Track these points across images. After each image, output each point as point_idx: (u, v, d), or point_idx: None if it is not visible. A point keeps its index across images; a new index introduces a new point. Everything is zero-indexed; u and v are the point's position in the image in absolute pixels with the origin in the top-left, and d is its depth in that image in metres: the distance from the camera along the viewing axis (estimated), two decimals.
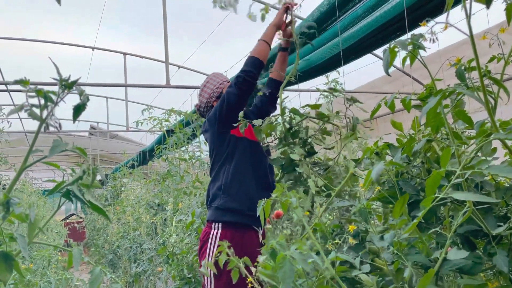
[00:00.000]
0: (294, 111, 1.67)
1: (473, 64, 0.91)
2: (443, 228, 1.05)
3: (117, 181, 7.76)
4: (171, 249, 3.15)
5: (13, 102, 7.18)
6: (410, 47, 0.99)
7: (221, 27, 5.73)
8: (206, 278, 2.04)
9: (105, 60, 7.05)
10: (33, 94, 0.57)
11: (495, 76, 0.95)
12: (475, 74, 0.94)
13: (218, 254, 1.34)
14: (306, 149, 1.67)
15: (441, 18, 2.82)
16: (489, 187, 1.01)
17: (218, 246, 1.65)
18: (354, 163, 1.46)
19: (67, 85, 0.58)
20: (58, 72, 0.59)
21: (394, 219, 1.04)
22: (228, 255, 1.28)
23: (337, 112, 1.70)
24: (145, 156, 7.69)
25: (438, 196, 0.82)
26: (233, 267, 1.27)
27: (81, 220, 13.12)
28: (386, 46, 1.04)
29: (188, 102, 7.40)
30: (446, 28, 0.91)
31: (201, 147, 4.37)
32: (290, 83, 1.92)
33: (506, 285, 0.94)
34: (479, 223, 0.94)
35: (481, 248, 1.01)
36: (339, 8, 2.77)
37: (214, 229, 2.06)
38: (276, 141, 1.75)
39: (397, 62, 1.11)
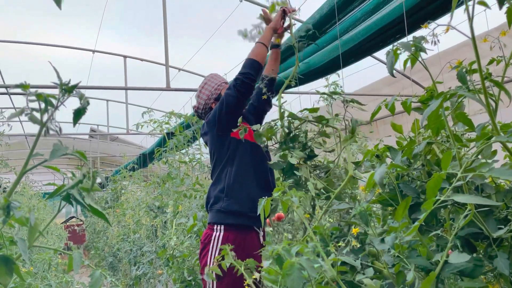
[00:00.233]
0: (292, 115, 1.67)
1: (474, 66, 0.91)
2: (444, 231, 1.04)
3: (117, 184, 7.75)
4: (172, 251, 3.14)
5: (13, 105, 7.19)
6: (412, 49, 0.99)
7: (221, 30, 5.75)
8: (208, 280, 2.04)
9: (106, 63, 7.07)
10: (34, 98, 0.57)
11: (496, 78, 0.95)
12: (475, 77, 0.94)
13: (221, 257, 1.34)
14: (306, 153, 1.67)
15: (440, 20, 2.82)
16: (490, 189, 1.01)
17: (221, 249, 1.64)
18: (353, 165, 1.46)
19: (68, 89, 0.58)
20: (58, 76, 0.59)
21: (395, 222, 1.04)
22: (230, 258, 1.28)
23: (336, 115, 1.70)
24: (145, 159, 7.69)
25: (439, 199, 0.82)
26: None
27: (81, 222, 13.11)
28: (389, 48, 1.04)
29: (188, 104, 7.41)
30: (448, 30, 0.91)
31: (201, 150, 4.37)
32: (289, 86, 1.93)
33: None
34: (479, 226, 0.94)
35: (481, 251, 1.01)
36: (338, 11, 2.78)
37: (216, 231, 2.06)
38: (276, 145, 1.75)
39: (397, 64, 1.11)
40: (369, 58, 4.21)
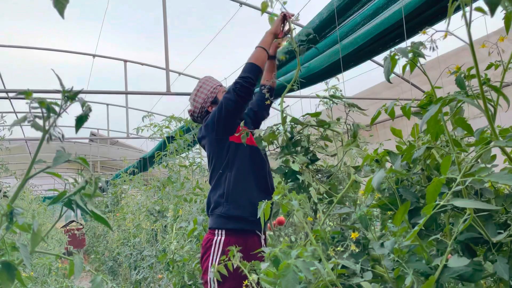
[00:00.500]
0: (294, 120, 1.68)
1: (473, 71, 0.92)
2: (443, 235, 1.05)
3: (117, 188, 7.75)
4: (172, 256, 3.14)
5: (13, 109, 7.20)
6: (410, 55, 1.00)
7: (221, 34, 5.76)
8: (209, 284, 2.03)
9: (106, 67, 7.08)
10: (36, 105, 0.57)
11: (494, 83, 0.95)
12: (474, 82, 0.95)
13: (226, 259, 1.35)
14: (308, 157, 1.68)
15: (440, 25, 2.84)
16: (489, 194, 1.02)
17: (226, 251, 1.64)
18: (354, 169, 1.47)
19: (70, 96, 0.59)
20: (61, 84, 0.60)
21: (394, 226, 1.04)
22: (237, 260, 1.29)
23: (338, 119, 1.71)
24: (146, 163, 7.69)
25: (439, 204, 0.82)
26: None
27: (81, 227, 13.09)
28: (386, 54, 1.05)
29: (188, 108, 7.40)
30: (446, 36, 0.91)
31: (201, 154, 4.37)
32: (291, 90, 1.94)
33: None
34: (479, 230, 0.94)
35: (481, 255, 1.01)
36: (338, 16, 2.79)
37: (218, 236, 2.06)
38: (278, 149, 1.76)
39: (397, 68, 1.11)
40: (368, 62, 4.22)
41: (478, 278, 0.92)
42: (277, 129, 1.72)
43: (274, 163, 1.86)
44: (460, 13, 0.84)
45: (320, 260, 1.08)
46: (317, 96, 2.22)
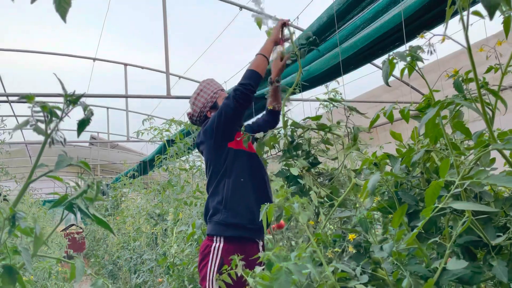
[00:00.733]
0: (295, 124, 1.69)
1: (471, 75, 0.92)
2: (443, 238, 1.05)
3: (117, 191, 7.75)
4: (172, 259, 3.14)
5: (14, 112, 7.21)
6: (408, 59, 1.00)
7: (222, 37, 5.78)
8: None
9: (106, 71, 7.11)
10: (38, 109, 0.58)
11: (493, 87, 0.96)
12: (473, 85, 0.96)
13: (229, 268, 1.35)
14: (310, 160, 1.68)
15: (439, 28, 2.85)
16: (488, 197, 1.02)
17: (225, 259, 1.63)
18: (354, 173, 1.47)
19: (72, 101, 0.59)
20: (63, 88, 0.60)
21: (394, 229, 1.04)
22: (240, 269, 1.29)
23: (338, 122, 1.72)
24: (146, 166, 7.69)
25: (437, 206, 0.83)
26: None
27: (81, 230, 13.07)
28: (385, 58, 1.06)
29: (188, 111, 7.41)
30: (443, 40, 0.92)
31: (201, 157, 4.38)
32: (292, 93, 1.95)
33: None
34: (478, 233, 0.95)
35: (481, 258, 1.01)
36: (338, 19, 2.80)
37: (216, 242, 2.05)
38: (279, 153, 1.77)
39: (396, 71, 1.12)
40: (368, 65, 4.23)
41: (478, 281, 0.92)
42: (278, 133, 1.72)
43: (275, 167, 1.86)
44: (459, 16, 0.85)
45: (320, 264, 1.08)
46: (317, 100, 2.23)
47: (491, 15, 0.68)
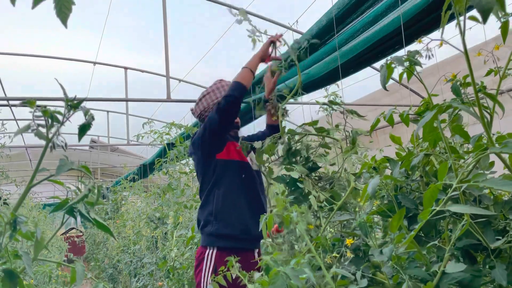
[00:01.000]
0: (290, 132, 1.69)
1: (469, 79, 0.93)
2: (442, 242, 1.05)
3: (117, 195, 7.75)
4: (172, 263, 3.14)
5: (14, 116, 7.22)
6: (406, 63, 1.01)
7: (222, 41, 5.80)
8: None
9: (106, 75, 7.11)
10: (40, 114, 0.58)
11: (492, 91, 0.97)
12: (471, 89, 0.96)
13: (225, 269, 1.35)
14: (309, 166, 1.69)
15: (438, 32, 2.86)
16: (488, 200, 1.02)
17: (218, 266, 1.63)
18: (354, 176, 1.48)
19: (73, 105, 0.60)
20: (64, 92, 0.61)
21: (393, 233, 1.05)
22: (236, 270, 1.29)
23: (336, 126, 1.72)
24: (146, 170, 7.69)
25: (435, 209, 0.83)
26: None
27: (81, 234, 13.06)
28: (383, 62, 1.06)
29: (188, 115, 7.42)
30: (441, 44, 0.93)
31: None
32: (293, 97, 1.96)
33: None
34: (478, 237, 0.95)
35: (481, 262, 1.01)
36: (337, 23, 2.81)
37: (209, 249, 2.06)
38: (276, 160, 1.78)
39: (396, 74, 1.13)
40: (368, 68, 4.24)
41: (477, 284, 0.92)
42: (276, 140, 1.73)
43: (276, 170, 1.87)
44: (456, 21, 0.85)
45: (319, 268, 1.08)
46: (317, 103, 2.24)
47: (485, 20, 0.69)
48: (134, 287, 5.08)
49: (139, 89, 7.43)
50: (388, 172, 1.21)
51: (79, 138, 0.63)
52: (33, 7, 0.74)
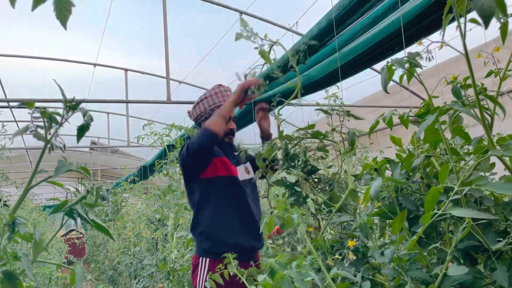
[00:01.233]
0: (287, 137, 1.70)
1: (469, 81, 0.93)
2: (444, 244, 1.05)
3: (117, 196, 7.74)
4: (172, 265, 3.13)
5: (14, 118, 7.22)
6: (407, 65, 1.01)
7: (222, 42, 5.80)
8: None
9: (107, 76, 7.11)
10: (38, 115, 0.58)
11: (492, 92, 0.96)
12: (472, 91, 0.96)
13: (223, 267, 1.35)
14: (308, 169, 1.69)
15: (438, 34, 2.85)
16: (488, 202, 1.02)
17: (213, 271, 1.63)
18: (353, 178, 1.47)
19: (72, 106, 0.60)
20: (63, 94, 0.61)
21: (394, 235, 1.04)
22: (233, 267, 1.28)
23: (333, 129, 1.72)
24: (146, 171, 7.68)
25: (437, 213, 0.83)
26: None
27: (81, 236, 13.04)
28: (384, 64, 1.06)
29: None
30: (441, 47, 0.93)
31: None
32: (294, 98, 1.96)
33: None
34: (479, 239, 0.95)
35: (482, 263, 1.01)
36: (337, 25, 2.81)
37: (203, 258, 2.06)
38: (274, 164, 1.79)
39: (396, 76, 1.12)
40: (368, 69, 4.24)
41: (479, 286, 0.92)
42: (274, 144, 1.74)
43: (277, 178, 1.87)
44: (456, 23, 0.85)
45: (319, 270, 1.08)
46: (317, 104, 2.24)
47: (486, 24, 0.68)
48: None
49: (139, 91, 7.43)
50: (388, 173, 1.21)
51: (78, 139, 0.62)
52: (33, 9, 0.74)
